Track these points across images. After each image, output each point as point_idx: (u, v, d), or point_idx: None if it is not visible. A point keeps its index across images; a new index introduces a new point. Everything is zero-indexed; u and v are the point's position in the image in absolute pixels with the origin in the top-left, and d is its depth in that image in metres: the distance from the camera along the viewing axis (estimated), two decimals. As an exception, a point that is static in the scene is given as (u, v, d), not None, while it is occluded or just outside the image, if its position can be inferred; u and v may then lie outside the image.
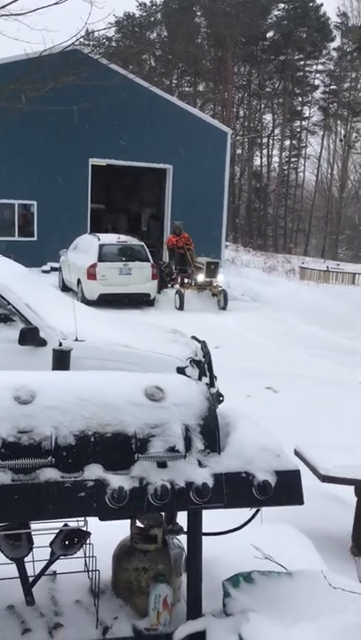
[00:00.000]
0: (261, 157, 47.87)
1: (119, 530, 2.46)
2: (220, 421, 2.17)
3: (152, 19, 45.28)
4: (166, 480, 1.97)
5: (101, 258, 13.95)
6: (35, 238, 20.56)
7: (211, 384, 4.94)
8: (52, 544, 2.28)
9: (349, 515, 4.01)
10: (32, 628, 2.17)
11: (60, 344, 4.57)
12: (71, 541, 2.28)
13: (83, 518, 2.25)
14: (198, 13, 44.41)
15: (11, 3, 10.49)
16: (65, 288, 15.22)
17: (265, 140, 47.26)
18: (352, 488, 3.92)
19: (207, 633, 2.07)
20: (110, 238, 14.92)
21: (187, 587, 2.21)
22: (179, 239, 15.53)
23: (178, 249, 15.52)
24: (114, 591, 2.39)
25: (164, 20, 44.90)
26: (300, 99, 46.12)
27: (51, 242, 18.79)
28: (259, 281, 19.24)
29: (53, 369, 3.60)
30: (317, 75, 45.79)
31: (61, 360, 3.66)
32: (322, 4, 42.78)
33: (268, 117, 47.30)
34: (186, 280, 15.49)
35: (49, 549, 2.29)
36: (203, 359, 5.09)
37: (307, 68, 45.26)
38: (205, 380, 4.84)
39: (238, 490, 2.04)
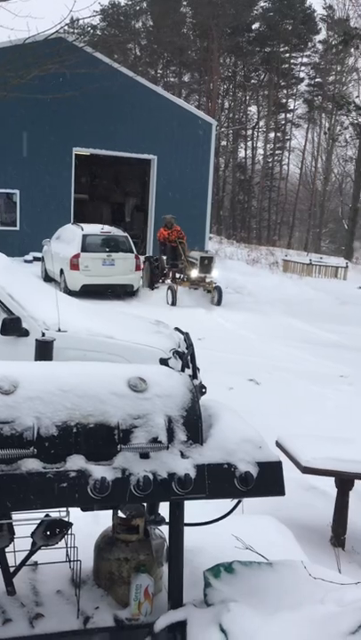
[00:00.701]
0: (246, 149, 47.87)
1: (101, 520, 2.46)
2: (202, 413, 2.17)
3: (137, 8, 44.91)
4: (149, 471, 1.98)
5: (84, 248, 13.85)
6: (17, 228, 20.39)
7: (193, 376, 4.94)
8: (33, 534, 2.28)
9: (330, 506, 4.05)
10: (13, 619, 2.17)
11: (43, 334, 4.56)
12: (53, 532, 2.28)
13: (65, 509, 2.25)
14: (184, 3, 44.11)
15: (-6, -12, 10.33)
16: (48, 278, 15.12)
17: (250, 132, 47.27)
18: (332, 479, 3.96)
19: (188, 623, 2.08)
20: (94, 229, 14.79)
21: (168, 577, 2.22)
22: (170, 232, 15.06)
23: (170, 242, 15.05)
24: (95, 581, 2.39)
25: (149, 9, 44.54)
26: (285, 91, 46.12)
27: (33, 231, 18.67)
28: (242, 273, 19.30)
29: (36, 359, 3.58)
30: (303, 67, 45.84)
31: (44, 350, 3.64)
32: (308, -3, 42.77)
33: (253, 109, 47.31)
34: (178, 275, 14.91)
35: (30, 540, 2.28)
36: (186, 351, 5.09)
37: (292, 61, 45.22)
38: (188, 371, 4.84)
39: (220, 481, 2.05)
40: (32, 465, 1.91)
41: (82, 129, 20.48)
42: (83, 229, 14.34)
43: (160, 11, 42.41)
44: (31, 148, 19.89)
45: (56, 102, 17.66)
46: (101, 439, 2.01)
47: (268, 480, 2.09)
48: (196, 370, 5.10)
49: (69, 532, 2.34)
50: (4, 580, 2.28)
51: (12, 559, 2.31)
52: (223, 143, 45.66)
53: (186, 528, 2.22)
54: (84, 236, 14.05)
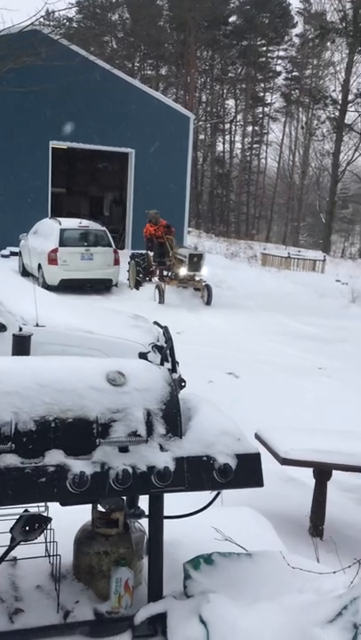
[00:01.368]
0: (224, 143, 47.95)
1: (80, 514, 2.46)
2: (181, 406, 2.18)
3: (114, 0, 44.59)
4: (128, 464, 1.98)
5: (63, 243, 13.74)
6: (-7, 222, 20.17)
7: (173, 369, 4.95)
8: (12, 530, 2.27)
9: (308, 496, 4.08)
10: (-8, 614, 2.16)
11: (21, 329, 4.53)
12: (32, 527, 2.27)
13: (43, 503, 2.24)
14: (161, -5, 43.97)
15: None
16: (25, 273, 15.00)
17: (228, 126, 47.28)
18: (311, 470, 4.00)
19: (168, 615, 2.09)
20: (72, 223, 14.67)
21: (148, 570, 2.23)
22: (157, 228, 14.40)
23: (157, 239, 14.36)
24: (75, 576, 2.39)
25: (125, 1, 44.25)
26: (262, 85, 46.21)
27: (10, 226, 18.46)
28: (221, 267, 19.31)
29: (13, 354, 3.55)
30: (280, 61, 46.01)
31: (21, 345, 3.61)
32: (284, -10, 42.83)
33: (230, 103, 47.36)
34: (165, 273, 14.11)
35: (9, 535, 2.27)
36: (165, 345, 5.09)
37: (269, 54, 45.33)
38: (167, 365, 4.85)
39: (199, 473, 2.06)
40: (10, 460, 1.90)
41: (59, 122, 20.29)
42: (60, 224, 14.23)
43: (136, 3, 42.17)
44: (7, 141, 19.67)
45: (32, 95, 17.51)
46: (80, 433, 2.01)
47: (246, 472, 2.11)
48: (175, 363, 5.11)
49: (48, 526, 2.33)
50: (-17, 576, 2.27)
51: (-9, 555, 2.29)
52: (201, 137, 45.64)
53: (166, 521, 2.23)
54: (62, 231, 13.95)
